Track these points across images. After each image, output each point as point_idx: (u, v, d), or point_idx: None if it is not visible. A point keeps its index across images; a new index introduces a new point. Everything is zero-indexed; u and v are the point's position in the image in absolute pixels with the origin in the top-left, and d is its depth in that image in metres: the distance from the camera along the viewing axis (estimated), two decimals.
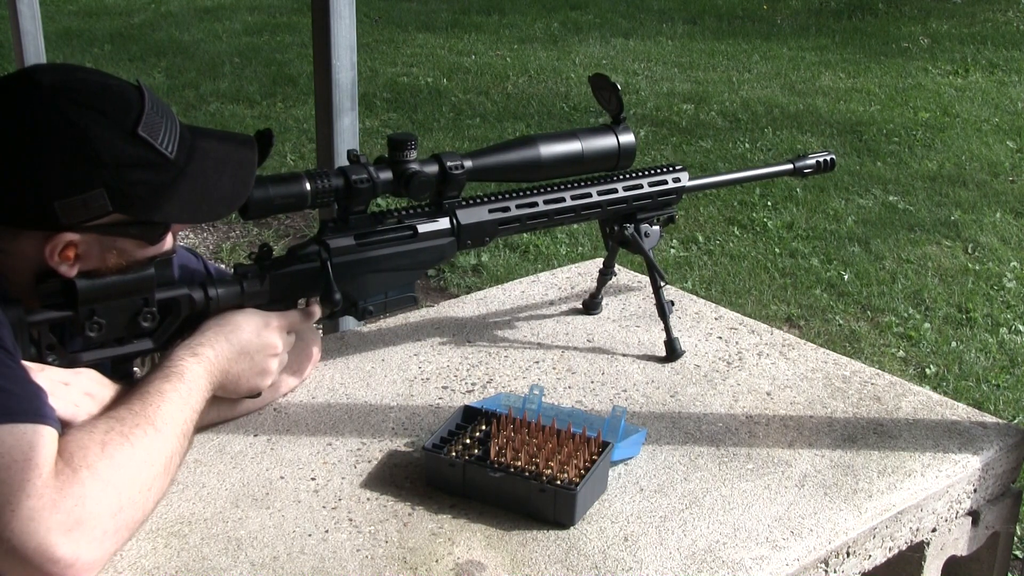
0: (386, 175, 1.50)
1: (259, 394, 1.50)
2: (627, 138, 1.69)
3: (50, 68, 1.32)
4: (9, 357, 1.18)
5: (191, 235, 4.80)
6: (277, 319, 1.48)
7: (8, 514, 1.08)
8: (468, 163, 1.56)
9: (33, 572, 1.09)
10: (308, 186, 1.42)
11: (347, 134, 2.56)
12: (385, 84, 7.26)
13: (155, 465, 1.22)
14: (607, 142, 1.68)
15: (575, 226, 4.74)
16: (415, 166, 1.51)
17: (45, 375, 1.27)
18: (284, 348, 1.50)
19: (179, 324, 1.43)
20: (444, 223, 1.59)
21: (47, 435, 1.14)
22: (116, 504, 1.15)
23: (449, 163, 1.54)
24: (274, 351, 1.47)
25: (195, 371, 1.35)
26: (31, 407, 1.15)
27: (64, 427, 1.21)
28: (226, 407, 1.51)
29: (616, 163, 1.70)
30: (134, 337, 1.40)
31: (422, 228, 1.56)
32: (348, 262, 1.51)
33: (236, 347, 1.42)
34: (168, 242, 1.40)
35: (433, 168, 1.53)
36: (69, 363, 1.34)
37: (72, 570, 1.10)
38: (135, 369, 1.45)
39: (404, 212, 1.58)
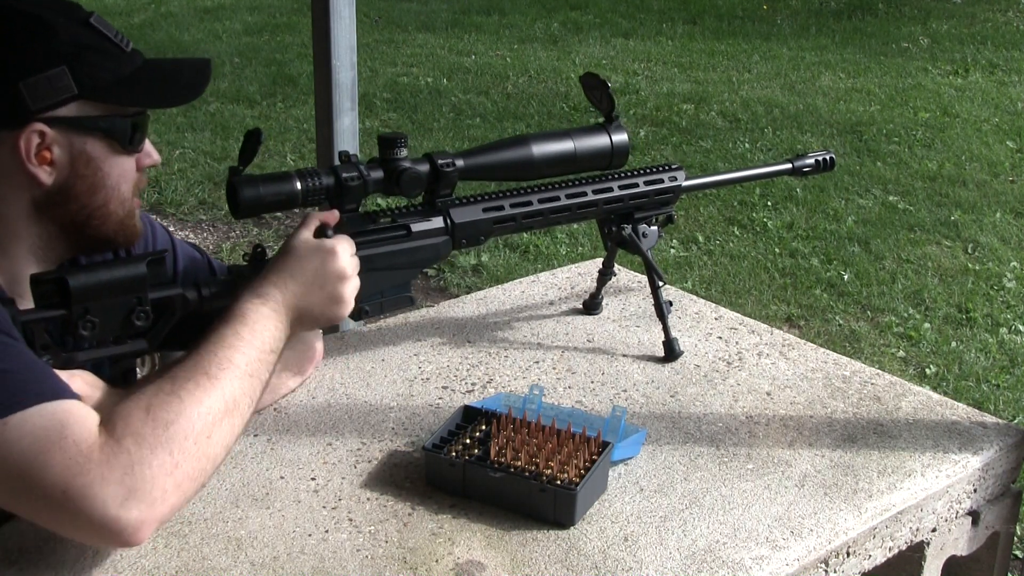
0: (377, 173, 1.50)
1: (337, 326, 1.49)
2: (620, 137, 1.69)
3: None
4: (15, 342, 1.19)
5: (191, 235, 4.81)
6: (339, 244, 1.43)
7: (61, 497, 1.09)
8: (460, 162, 1.57)
9: (106, 539, 1.13)
10: (299, 185, 1.42)
11: (347, 134, 2.56)
12: (385, 84, 7.26)
13: (212, 412, 1.20)
14: (600, 141, 1.68)
15: (575, 226, 4.74)
16: (406, 163, 1.51)
17: None
18: (354, 271, 1.44)
19: (173, 324, 1.43)
20: (438, 222, 1.59)
21: (75, 409, 1.14)
22: (170, 462, 1.14)
23: (440, 161, 1.54)
24: (344, 276, 1.42)
25: (260, 312, 1.33)
26: (48, 386, 1.16)
27: None
28: None
29: (609, 162, 1.70)
30: (128, 337, 1.40)
31: (415, 227, 1.56)
32: None
33: (303, 281, 1.39)
34: (134, 169, 1.42)
35: (424, 166, 1.54)
36: (64, 363, 1.34)
37: (141, 532, 1.11)
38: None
39: (398, 211, 1.58)
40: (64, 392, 1.16)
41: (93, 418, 1.15)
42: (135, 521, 1.11)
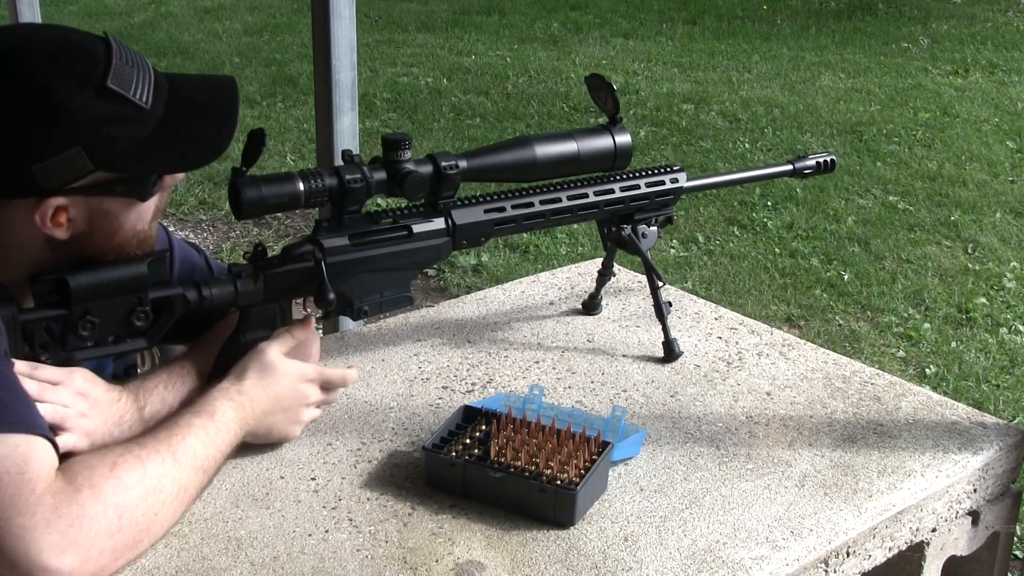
0: (380, 175, 1.50)
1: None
2: (623, 138, 1.69)
3: (9, 30, 1.30)
4: (4, 366, 1.17)
5: (191, 235, 4.80)
6: (315, 371, 1.49)
7: None
8: (463, 163, 1.56)
9: None
10: (301, 186, 1.42)
11: (347, 134, 2.56)
12: (385, 84, 7.25)
13: (166, 492, 1.23)
14: (603, 142, 1.68)
15: (575, 226, 4.74)
16: (410, 166, 1.51)
17: (38, 374, 1.26)
18: (317, 400, 1.50)
19: (173, 323, 1.43)
20: (439, 223, 1.58)
21: (41, 448, 1.14)
22: (115, 525, 1.15)
23: (443, 163, 1.54)
24: (307, 402, 1.48)
25: (227, 415, 1.36)
26: (26, 417, 1.15)
27: (54, 430, 1.21)
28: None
29: (612, 163, 1.70)
30: (128, 336, 1.40)
31: (417, 228, 1.56)
32: (343, 262, 1.51)
33: (273, 399, 1.43)
34: (154, 203, 1.38)
35: (427, 168, 1.53)
36: (63, 361, 1.33)
37: None
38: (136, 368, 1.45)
39: (399, 212, 1.58)
40: (38, 428, 1.15)
41: (54, 463, 1.15)
42: (66, 572, 1.09)
